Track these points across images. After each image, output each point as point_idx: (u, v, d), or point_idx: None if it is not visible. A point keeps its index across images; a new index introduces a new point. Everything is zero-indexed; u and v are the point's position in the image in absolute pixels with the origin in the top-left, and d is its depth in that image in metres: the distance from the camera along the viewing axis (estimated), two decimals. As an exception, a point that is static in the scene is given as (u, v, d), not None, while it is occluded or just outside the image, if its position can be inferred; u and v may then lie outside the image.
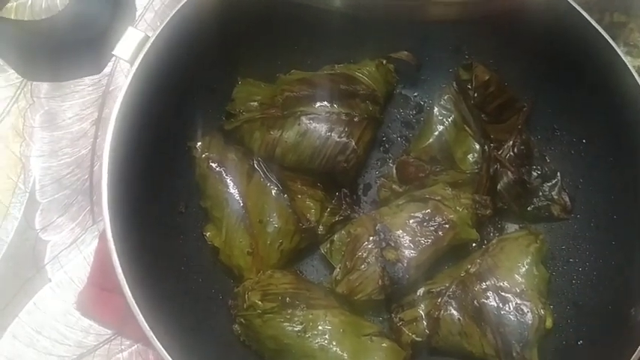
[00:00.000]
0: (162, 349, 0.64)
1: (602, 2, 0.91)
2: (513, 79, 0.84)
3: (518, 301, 0.73)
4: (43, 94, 0.95)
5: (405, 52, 0.87)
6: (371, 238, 0.76)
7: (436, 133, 0.84)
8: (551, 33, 0.77)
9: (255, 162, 0.80)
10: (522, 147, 0.82)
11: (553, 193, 0.83)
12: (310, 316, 0.71)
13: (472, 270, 0.76)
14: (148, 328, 0.64)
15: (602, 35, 0.75)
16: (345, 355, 0.70)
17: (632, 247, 0.74)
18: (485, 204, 0.79)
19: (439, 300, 0.74)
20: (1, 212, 0.89)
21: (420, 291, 0.76)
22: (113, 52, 0.70)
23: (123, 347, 0.83)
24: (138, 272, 0.67)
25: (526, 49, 0.81)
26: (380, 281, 0.74)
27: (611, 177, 0.79)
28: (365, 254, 0.75)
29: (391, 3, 0.64)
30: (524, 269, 0.75)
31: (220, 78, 0.83)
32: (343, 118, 0.80)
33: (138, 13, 0.97)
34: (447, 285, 0.75)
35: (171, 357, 0.64)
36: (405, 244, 0.75)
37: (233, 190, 0.78)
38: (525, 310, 0.72)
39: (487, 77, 0.82)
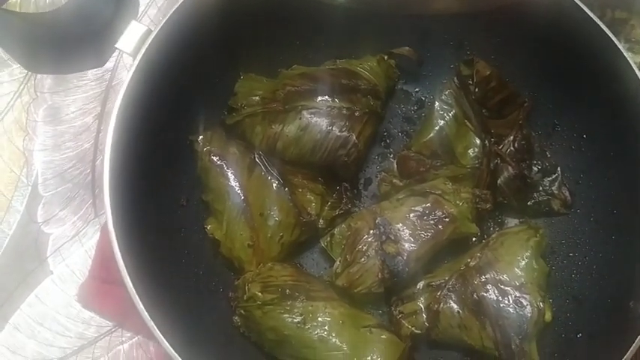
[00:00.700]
0: (164, 339, 0.65)
1: (604, -1, 0.91)
2: (515, 75, 0.84)
3: (518, 294, 0.73)
4: (46, 89, 0.95)
5: (407, 48, 0.88)
6: (371, 231, 0.76)
7: (437, 127, 0.84)
8: (552, 29, 0.77)
9: (256, 156, 0.80)
10: (523, 142, 0.82)
11: (553, 188, 0.83)
12: (310, 307, 0.72)
13: (472, 263, 0.76)
14: (149, 319, 0.65)
15: (604, 31, 0.75)
16: (344, 346, 0.71)
17: (631, 242, 0.74)
18: (485, 198, 0.79)
19: (439, 293, 0.75)
20: (4, 205, 0.89)
21: (420, 284, 0.77)
22: (116, 46, 0.71)
23: (124, 339, 0.84)
24: (139, 265, 0.68)
25: (528, 45, 0.82)
26: (380, 274, 0.74)
27: (610, 172, 0.79)
28: (365, 247, 0.75)
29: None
30: (523, 263, 0.75)
31: (222, 72, 0.83)
32: (344, 112, 0.81)
33: (141, 9, 0.98)
34: (447, 278, 0.76)
35: (172, 348, 0.64)
36: (405, 238, 0.76)
37: (234, 183, 0.79)
38: (525, 304, 0.72)
39: (488, 72, 0.82)
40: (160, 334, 0.65)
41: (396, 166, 0.85)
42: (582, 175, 0.83)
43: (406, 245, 0.75)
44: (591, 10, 0.76)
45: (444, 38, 0.87)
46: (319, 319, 0.71)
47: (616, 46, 0.74)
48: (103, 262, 0.85)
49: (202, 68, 0.80)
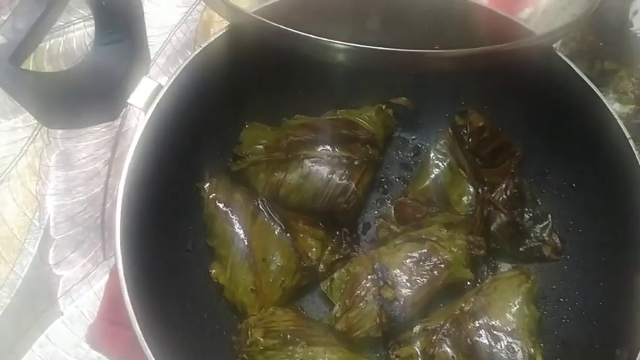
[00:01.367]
0: (169, 382, 0.67)
1: (594, 50, 0.93)
2: (507, 125, 0.87)
3: (510, 340, 0.75)
4: (59, 135, 0.99)
5: (404, 98, 0.92)
6: (369, 276, 0.78)
7: (432, 176, 0.87)
8: (542, 83, 0.81)
9: (259, 202, 0.83)
10: (515, 190, 0.85)
11: (544, 235, 0.85)
12: (310, 353, 0.74)
13: (466, 308, 0.78)
14: (154, 361, 0.67)
15: (590, 86, 0.78)
16: (343, 389, 0.73)
17: (618, 288, 0.76)
18: (479, 244, 0.82)
19: (434, 337, 0.77)
20: (17, 248, 0.92)
21: (416, 328, 0.78)
22: (128, 101, 0.74)
23: (130, 379, 0.86)
24: (146, 307, 0.69)
25: (519, 98, 0.85)
26: (377, 319, 0.76)
27: (599, 220, 0.82)
28: (363, 292, 0.78)
29: (390, 58, 0.68)
30: (515, 309, 0.77)
31: (228, 122, 0.87)
32: (344, 161, 0.85)
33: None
34: (442, 323, 0.78)
35: (176, 389, 0.67)
36: (402, 283, 0.78)
37: (238, 229, 0.82)
38: (516, 349, 0.74)
39: (481, 124, 0.85)
40: (165, 376, 0.66)
41: (393, 212, 0.88)
42: (572, 223, 0.85)
43: (403, 291, 0.78)
44: (581, 62, 0.78)
45: (439, 89, 0.90)
46: (319, 364, 0.73)
47: (601, 99, 0.77)
48: (110, 304, 0.87)
49: (209, 118, 0.82)
